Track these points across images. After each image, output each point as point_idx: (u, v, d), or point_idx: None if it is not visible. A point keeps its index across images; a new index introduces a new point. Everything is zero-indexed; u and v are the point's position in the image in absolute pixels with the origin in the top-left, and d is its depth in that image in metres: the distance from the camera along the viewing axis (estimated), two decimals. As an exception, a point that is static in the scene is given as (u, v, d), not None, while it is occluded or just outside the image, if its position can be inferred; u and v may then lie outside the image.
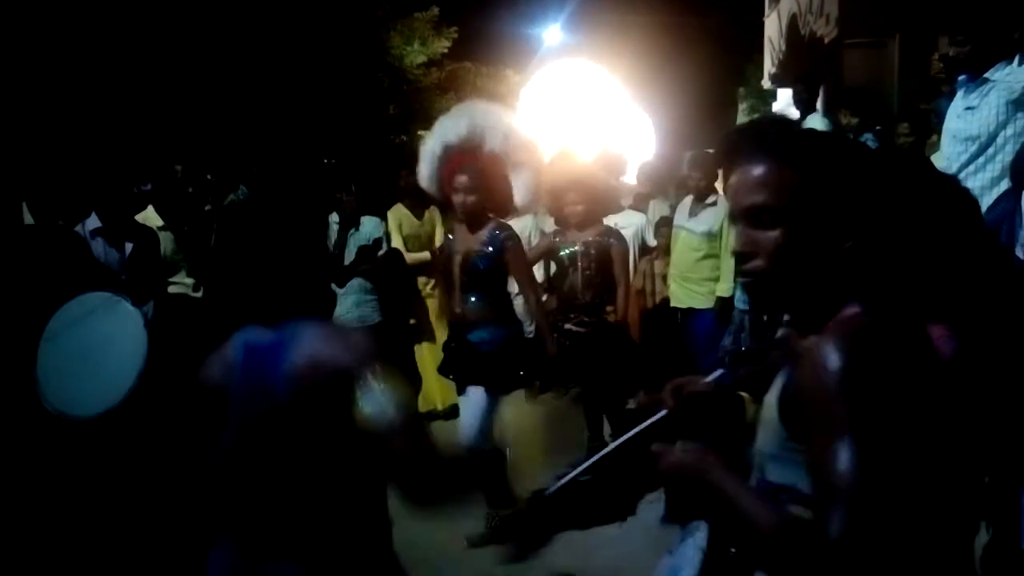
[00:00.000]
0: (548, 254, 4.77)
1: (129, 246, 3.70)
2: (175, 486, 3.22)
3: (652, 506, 3.42)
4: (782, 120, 1.40)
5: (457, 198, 3.73)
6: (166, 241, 4.44)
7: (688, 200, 5.24)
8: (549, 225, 6.13)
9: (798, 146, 1.19)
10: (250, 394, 1.58)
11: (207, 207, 5.44)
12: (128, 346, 2.76)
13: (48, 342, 2.88)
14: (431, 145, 3.78)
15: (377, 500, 1.64)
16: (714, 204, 5.07)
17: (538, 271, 5.32)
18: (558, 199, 4.62)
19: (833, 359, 1.05)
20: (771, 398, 1.18)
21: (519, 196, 3.81)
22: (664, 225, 5.56)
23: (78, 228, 3.66)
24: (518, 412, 3.72)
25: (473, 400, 3.89)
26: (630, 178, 6.98)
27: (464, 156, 3.69)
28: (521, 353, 3.93)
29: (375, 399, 1.49)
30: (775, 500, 1.14)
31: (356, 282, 5.35)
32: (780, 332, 2.28)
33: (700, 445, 1.28)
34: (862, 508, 0.98)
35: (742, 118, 17.27)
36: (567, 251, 4.51)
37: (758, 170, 1.18)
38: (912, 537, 1.02)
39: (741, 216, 1.20)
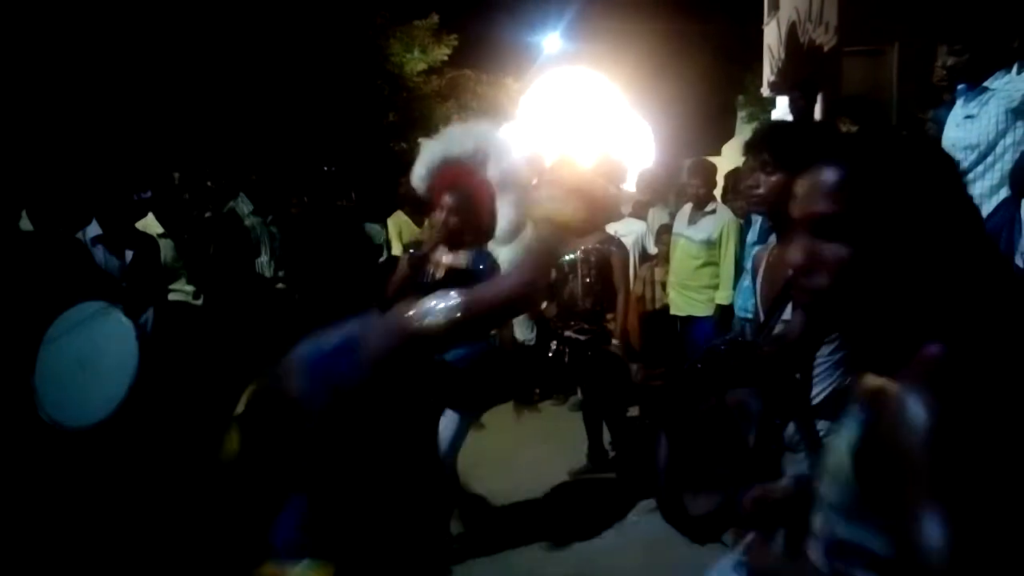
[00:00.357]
0: None
1: (129, 253, 3.70)
2: (170, 491, 3.21)
3: (650, 516, 3.42)
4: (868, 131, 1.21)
5: (440, 215, 3.65)
6: (166, 248, 4.44)
7: (687, 208, 5.24)
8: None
9: (878, 153, 1.06)
10: (328, 387, 1.67)
11: (207, 214, 5.45)
12: (120, 359, 2.76)
13: (46, 350, 2.89)
14: (435, 151, 3.67)
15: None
16: (713, 212, 5.07)
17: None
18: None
19: (923, 414, 0.91)
20: (840, 445, 1.04)
21: (500, 228, 3.65)
22: (665, 232, 5.56)
23: (79, 235, 3.66)
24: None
25: (448, 421, 3.70)
26: (630, 185, 6.99)
27: (459, 175, 3.55)
28: (495, 369, 3.87)
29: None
30: (848, 563, 1.03)
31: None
32: (778, 329, 2.28)
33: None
34: None
35: (741, 126, 17.30)
36: (567, 258, 4.51)
37: (827, 175, 1.07)
38: None
39: (804, 224, 1.08)
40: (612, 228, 4.92)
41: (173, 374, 3.57)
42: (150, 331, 3.58)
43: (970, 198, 1.08)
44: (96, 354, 2.84)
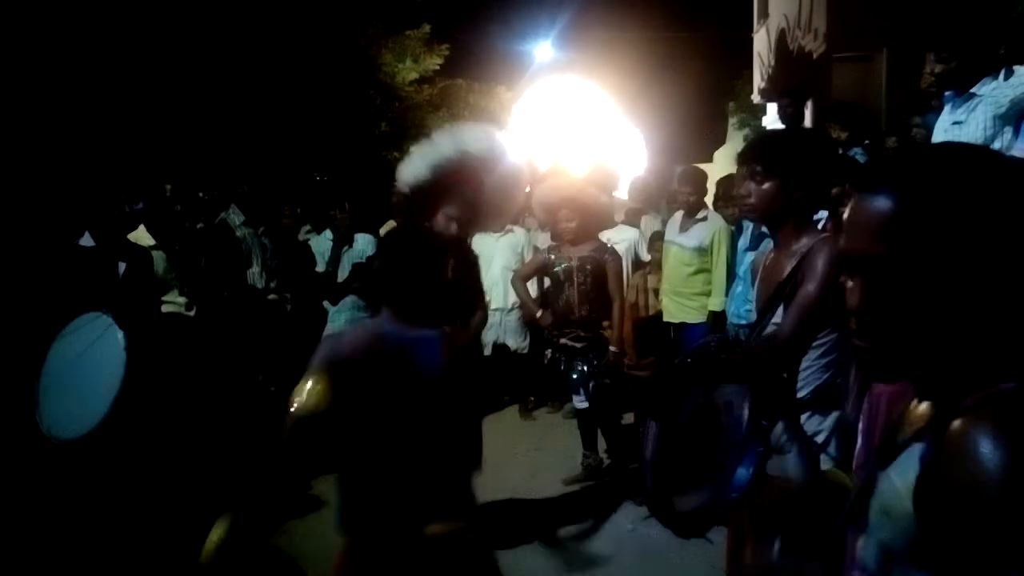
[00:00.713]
0: (543, 270, 4.79)
1: (123, 266, 3.69)
2: (163, 499, 3.21)
3: (645, 524, 3.43)
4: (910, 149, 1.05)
5: (442, 222, 3.61)
6: (158, 260, 4.43)
7: (679, 215, 5.26)
8: (541, 240, 6.16)
9: (934, 177, 0.93)
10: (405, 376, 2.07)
11: (198, 225, 5.44)
12: (108, 372, 2.75)
13: (47, 361, 2.89)
14: (444, 151, 3.51)
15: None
16: (705, 219, 5.09)
17: (532, 287, 5.33)
18: (551, 215, 4.65)
19: (998, 457, 0.83)
20: (899, 484, 0.95)
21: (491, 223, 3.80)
22: (658, 240, 5.58)
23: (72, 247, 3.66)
24: None
25: None
26: (622, 193, 7.01)
27: (462, 179, 3.51)
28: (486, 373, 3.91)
29: None
30: None
31: (350, 299, 5.35)
32: (769, 330, 2.30)
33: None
34: None
35: (732, 132, 17.39)
36: (561, 266, 4.53)
37: (879, 208, 0.94)
38: None
39: (855, 263, 0.97)
40: (605, 235, 4.94)
41: (166, 385, 3.57)
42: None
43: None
44: (87, 366, 2.84)
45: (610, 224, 5.20)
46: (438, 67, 13.10)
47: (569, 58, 15.87)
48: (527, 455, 5.11)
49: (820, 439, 2.25)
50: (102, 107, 7.99)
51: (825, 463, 2.22)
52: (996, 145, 3.37)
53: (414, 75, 12.74)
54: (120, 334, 2.83)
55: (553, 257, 4.62)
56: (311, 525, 4.07)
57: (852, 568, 1.05)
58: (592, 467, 4.75)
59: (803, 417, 2.27)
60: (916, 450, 0.94)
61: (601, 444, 4.79)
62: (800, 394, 2.27)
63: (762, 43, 13.91)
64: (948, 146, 1.00)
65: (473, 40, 15.07)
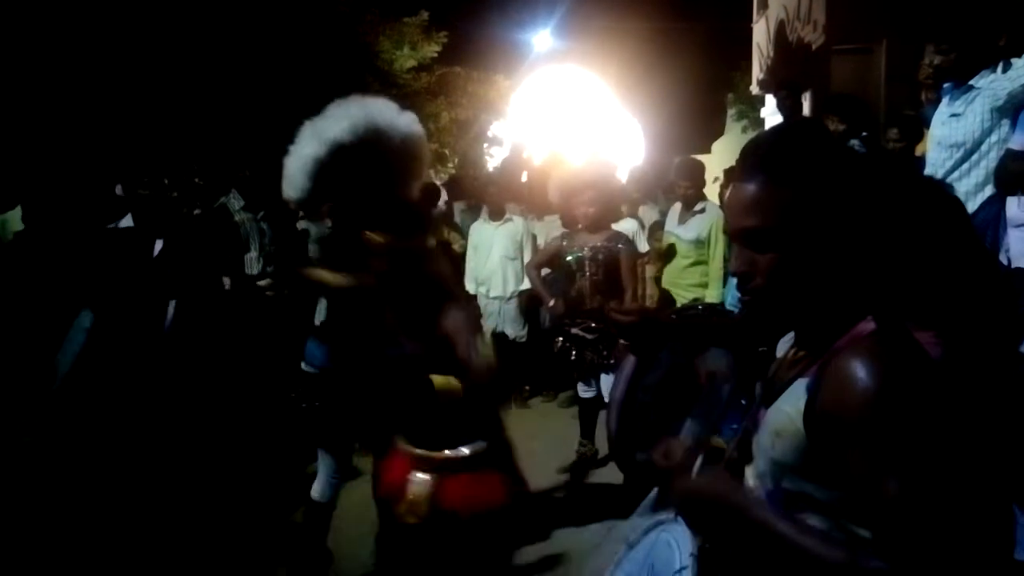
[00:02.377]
0: (556, 257, 4.70)
1: (159, 245, 3.71)
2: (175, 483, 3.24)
3: (643, 513, 3.43)
4: (777, 134, 1.27)
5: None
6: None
7: (677, 207, 5.26)
8: (538, 229, 6.16)
9: (789, 162, 1.15)
10: None
11: (196, 211, 5.42)
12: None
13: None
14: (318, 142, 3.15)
15: None
16: (703, 211, 5.09)
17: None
18: (570, 198, 4.56)
19: (872, 380, 1.06)
20: (786, 408, 1.17)
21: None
22: (658, 229, 5.58)
23: (111, 227, 3.70)
24: None
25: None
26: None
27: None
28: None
29: None
30: (793, 509, 1.16)
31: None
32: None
33: (714, 468, 1.30)
34: (936, 531, 1.00)
35: (731, 124, 17.35)
36: (574, 256, 4.45)
37: (749, 190, 1.17)
38: (975, 545, 1.06)
39: (736, 237, 1.20)
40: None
41: (191, 364, 3.60)
42: (170, 323, 3.61)
43: (895, 182, 1.21)
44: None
45: (620, 213, 5.13)
46: (436, 55, 13.03)
47: (568, 47, 15.83)
48: (521, 444, 5.09)
49: None
50: (107, 93, 7.98)
51: None
52: (993, 137, 3.37)
53: (412, 62, 12.68)
54: (87, 321, 2.90)
55: (566, 245, 4.54)
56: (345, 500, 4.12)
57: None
58: (587, 456, 4.76)
59: None
60: (801, 383, 1.16)
61: (600, 434, 4.79)
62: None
63: (761, 34, 13.88)
64: (799, 133, 1.21)
65: (471, 28, 15.02)
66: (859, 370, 1.07)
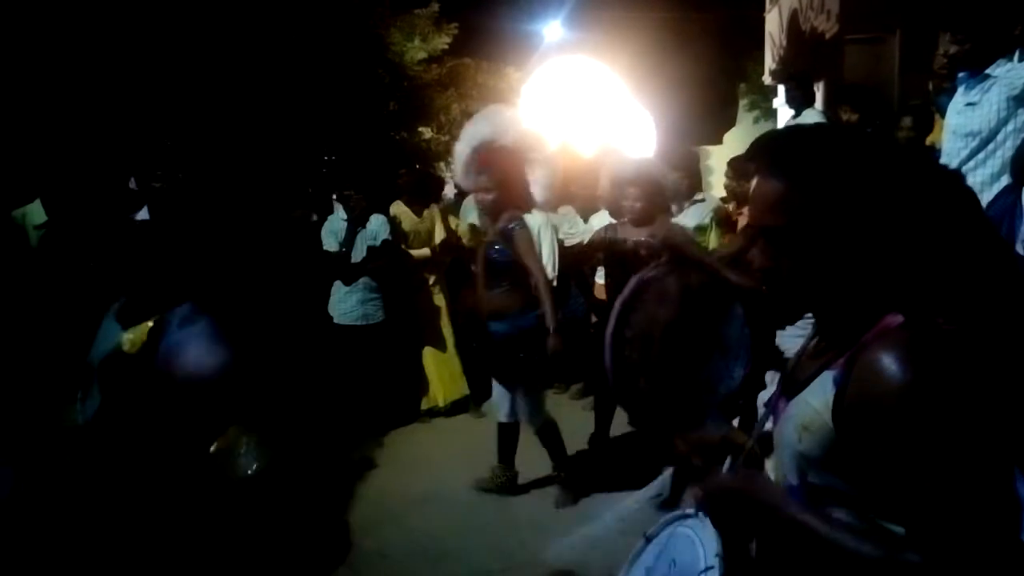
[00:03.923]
0: (602, 249, 4.66)
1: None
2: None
3: (651, 503, 3.45)
4: (787, 132, 1.27)
5: (477, 197, 4.11)
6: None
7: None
8: (557, 221, 6.16)
9: (797, 160, 1.16)
10: None
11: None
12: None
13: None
14: (460, 148, 4.05)
15: None
16: (703, 200, 5.21)
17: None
18: (617, 191, 4.54)
19: (906, 373, 1.06)
20: (813, 402, 1.17)
21: (537, 192, 4.08)
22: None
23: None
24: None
25: (497, 391, 4.27)
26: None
27: (485, 157, 3.97)
28: (536, 343, 4.00)
29: None
30: (819, 503, 1.16)
31: (362, 281, 5.37)
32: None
33: (745, 466, 1.30)
34: (972, 523, 1.01)
35: (743, 114, 17.26)
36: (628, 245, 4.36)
37: (763, 189, 1.19)
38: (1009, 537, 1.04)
39: (758, 233, 1.21)
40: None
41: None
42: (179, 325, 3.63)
43: (913, 175, 1.16)
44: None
45: (672, 203, 4.99)
46: (447, 46, 13.01)
47: (578, 38, 15.76)
48: (529, 435, 5.14)
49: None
50: (110, 88, 8.02)
51: None
52: (1010, 127, 3.36)
53: (422, 54, 12.67)
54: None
55: (611, 236, 4.49)
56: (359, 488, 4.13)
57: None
58: (599, 445, 4.78)
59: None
60: (828, 376, 1.16)
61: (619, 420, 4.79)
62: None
63: (774, 24, 13.78)
64: (823, 131, 1.22)
65: (482, 19, 14.97)
66: (892, 363, 1.07)
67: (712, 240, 5.09)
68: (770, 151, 1.21)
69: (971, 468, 1.03)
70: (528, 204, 4.11)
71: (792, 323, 2.39)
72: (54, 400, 2.86)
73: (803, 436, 1.17)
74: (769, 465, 1.28)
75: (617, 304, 2.28)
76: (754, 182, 1.21)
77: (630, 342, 2.23)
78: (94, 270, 3.08)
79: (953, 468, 1.02)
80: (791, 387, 1.25)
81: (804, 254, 1.15)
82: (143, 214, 3.70)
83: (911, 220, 1.12)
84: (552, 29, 16.28)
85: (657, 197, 4.43)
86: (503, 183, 3.94)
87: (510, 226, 3.95)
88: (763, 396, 2.38)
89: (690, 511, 1.38)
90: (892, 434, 1.05)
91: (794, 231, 1.15)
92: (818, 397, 1.16)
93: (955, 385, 1.05)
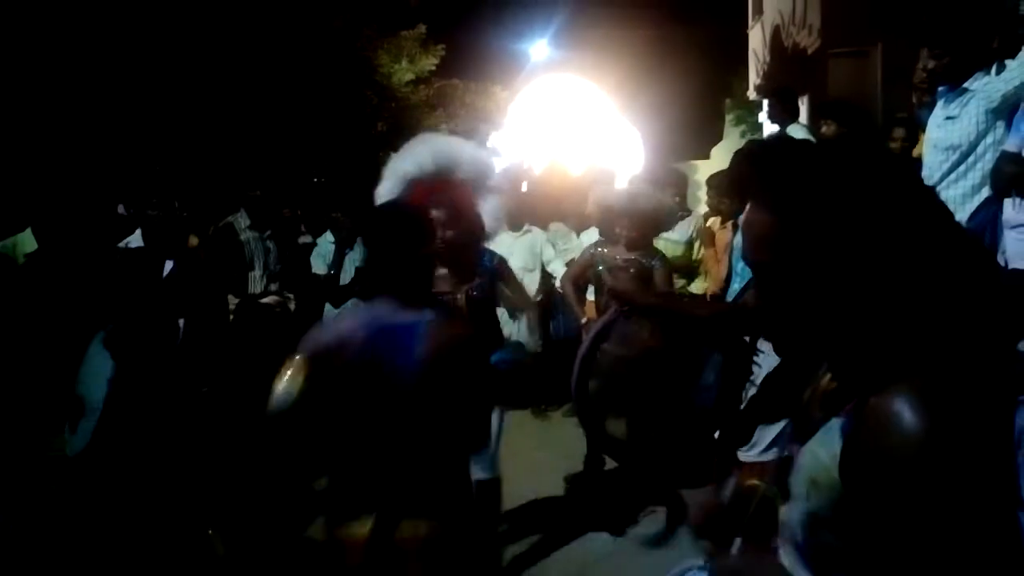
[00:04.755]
0: (589, 268, 4.58)
1: (169, 265, 3.70)
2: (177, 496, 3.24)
3: (647, 522, 3.47)
4: (775, 154, 1.12)
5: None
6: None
7: None
8: (552, 236, 6.22)
9: (788, 189, 1.03)
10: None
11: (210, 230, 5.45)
12: (96, 395, 2.79)
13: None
14: (394, 179, 3.54)
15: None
16: (689, 214, 5.33)
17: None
18: (609, 218, 4.52)
19: (915, 426, 0.92)
20: (820, 453, 1.05)
21: (489, 223, 3.65)
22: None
23: (119, 247, 3.69)
24: None
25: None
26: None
27: (432, 188, 3.51)
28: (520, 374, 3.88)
29: None
30: (828, 566, 1.06)
31: (351, 303, 5.37)
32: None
33: (751, 548, 1.23)
34: None
35: (729, 129, 17.40)
36: (605, 268, 4.38)
37: (753, 221, 1.07)
38: None
39: (752, 267, 1.11)
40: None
41: (200, 380, 3.62)
42: (180, 340, 3.63)
43: (923, 199, 1.04)
44: (84, 384, 2.87)
45: (666, 227, 4.84)
46: (434, 67, 13.12)
47: (565, 57, 15.90)
48: (528, 453, 5.13)
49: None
50: (111, 110, 8.05)
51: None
52: (989, 139, 3.40)
53: (410, 75, 12.77)
54: (108, 361, 2.84)
55: (598, 254, 4.47)
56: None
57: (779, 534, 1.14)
58: (595, 465, 4.75)
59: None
60: (836, 424, 1.03)
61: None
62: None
63: (757, 39, 13.94)
64: (814, 154, 1.07)
65: (469, 40, 15.09)
66: (902, 411, 0.94)
67: (700, 250, 5.21)
68: (758, 177, 1.08)
69: (987, 529, 0.91)
70: (484, 237, 3.69)
71: (796, 361, 2.37)
72: (40, 430, 2.83)
73: (811, 492, 1.06)
74: (784, 512, 1.15)
75: (578, 358, 2.28)
76: (746, 210, 1.11)
77: (600, 387, 2.25)
78: (80, 298, 3.06)
79: (969, 529, 0.90)
80: (802, 429, 1.12)
81: (798, 292, 1.03)
82: (137, 240, 3.69)
83: (911, 251, 1.00)
84: (539, 48, 16.43)
85: (649, 225, 4.45)
86: (458, 218, 3.47)
87: (490, 260, 3.62)
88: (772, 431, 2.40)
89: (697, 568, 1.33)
90: (901, 490, 0.92)
91: (786, 267, 1.03)
92: (825, 448, 1.04)
93: (970, 434, 0.94)
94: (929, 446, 0.91)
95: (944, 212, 1.06)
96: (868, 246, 0.99)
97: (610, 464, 4.92)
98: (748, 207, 1.09)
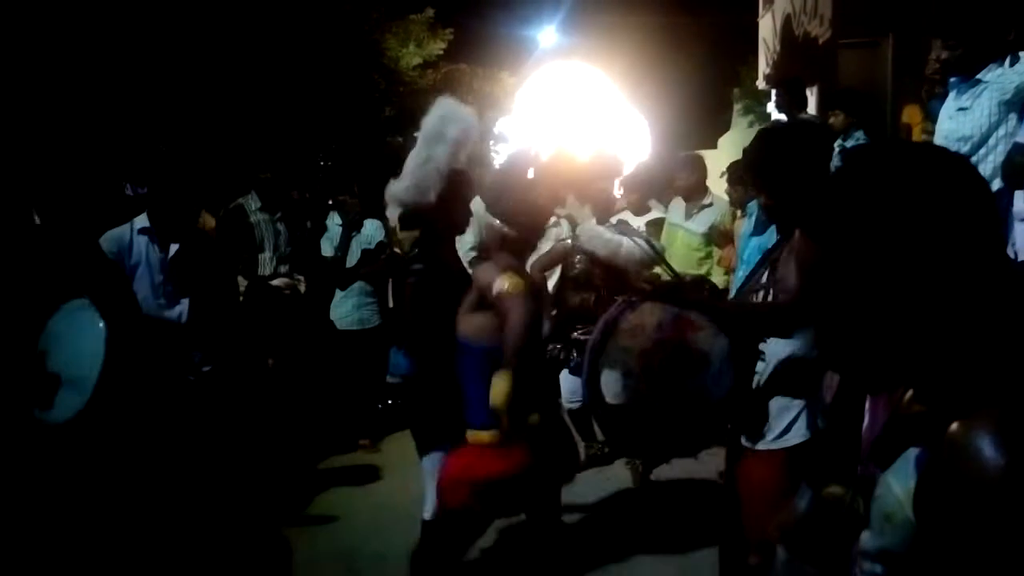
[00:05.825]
0: (562, 259, 4.44)
1: (175, 247, 3.70)
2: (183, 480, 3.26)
3: (687, 534, 3.49)
4: (839, 185, 0.99)
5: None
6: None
7: (679, 202, 5.31)
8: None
9: (846, 217, 0.95)
10: None
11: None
12: (87, 359, 2.76)
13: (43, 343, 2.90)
14: (438, 152, 3.24)
15: None
16: (711, 205, 5.15)
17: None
18: (556, 200, 4.49)
19: (996, 462, 0.84)
20: (898, 491, 0.98)
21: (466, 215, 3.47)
22: (652, 225, 5.58)
23: (126, 226, 3.68)
24: None
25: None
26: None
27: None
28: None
29: None
30: None
31: (357, 285, 5.36)
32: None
33: None
34: None
35: (737, 118, 17.34)
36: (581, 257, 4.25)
37: (806, 251, 1.01)
38: None
39: (807, 297, 1.05)
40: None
41: (206, 362, 3.64)
42: (184, 321, 3.63)
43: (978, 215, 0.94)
44: (67, 351, 2.85)
45: (609, 214, 4.94)
46: (442, 52, 13.07)
47: (573, 43, 15.85)
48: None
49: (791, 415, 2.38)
50: (114, 92, 8.04)
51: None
52: (1001, 131, 3.38)
53: (418, 60, 12.72)
54: (101, 324, 2.81)
55: (572, 243, 4.33)
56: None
57: (856, 563, 1.08)
58: (596, 455, 4.75)
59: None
60: (912, 455, 0.96)
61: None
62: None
63: (767, 29, 13.85)
64: (879, 186, 0.94)
65: (477, 25, 15.04)
66: (979, 447, 0.86)
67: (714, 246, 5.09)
68: (818, 205, 0.99)
69: None
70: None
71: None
72: (14, 404, 2.82)
73: (885, 528, 1.00)
74: (864, 538, 1.08)
75: (587, 350, 2.31)
76: (795, 237, 1.12)
77: (613, 376, 2.28)
78: (80, 275, 3.06)
79: None
80: (881, 455, 1.04)
81: (860, 326, 0.96)
82: (143, 221, 3.69)
83: (984, 276, 0.93)
84: (547, 34, 16.37)
85: (594, 205, 4.44)
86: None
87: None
88: (776, 403, 2.41)
89: None
90: (979, 529, 0.85)
91: (852, 299, 0.96)
92: (900, 482, 0.97)
93: None
94: (1010, 483, 0.83)
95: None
96: (941, 273, 0.91)
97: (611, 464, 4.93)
98: (800, 236, 1.03)
